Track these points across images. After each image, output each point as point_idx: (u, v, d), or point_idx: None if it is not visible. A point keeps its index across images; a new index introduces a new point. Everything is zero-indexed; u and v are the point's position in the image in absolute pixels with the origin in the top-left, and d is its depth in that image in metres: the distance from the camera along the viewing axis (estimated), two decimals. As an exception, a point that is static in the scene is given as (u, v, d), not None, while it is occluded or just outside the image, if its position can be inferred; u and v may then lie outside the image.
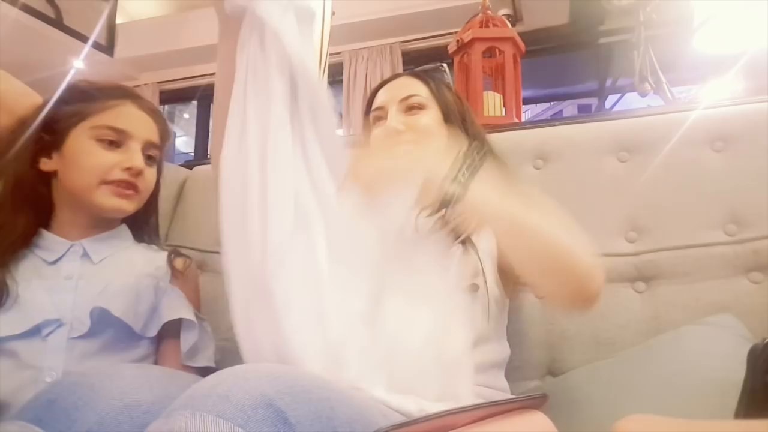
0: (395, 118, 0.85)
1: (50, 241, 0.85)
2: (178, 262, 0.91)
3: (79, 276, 0.82)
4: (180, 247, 1.04)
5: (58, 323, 0.77)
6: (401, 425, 0.44)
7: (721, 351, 0.76)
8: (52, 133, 0.83)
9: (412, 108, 0.86)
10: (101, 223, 0.88)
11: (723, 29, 1.38)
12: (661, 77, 1.55)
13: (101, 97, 0.85)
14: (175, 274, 0.90)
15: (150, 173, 0.89)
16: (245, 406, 0.39)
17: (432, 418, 0.47)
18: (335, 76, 3.33)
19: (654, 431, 0.37)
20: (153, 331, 0.83)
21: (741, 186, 0.94)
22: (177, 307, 0.84)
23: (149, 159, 0.89)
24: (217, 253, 1.20)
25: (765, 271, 0.89)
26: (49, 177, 0.85)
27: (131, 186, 0.85)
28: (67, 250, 0.84)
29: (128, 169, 0.84)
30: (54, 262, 0.83)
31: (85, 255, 0.85)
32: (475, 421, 0.51)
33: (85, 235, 0.86)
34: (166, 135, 0.94)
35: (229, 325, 1.18)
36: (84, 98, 0.85)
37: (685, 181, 0.97)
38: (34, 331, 0.75)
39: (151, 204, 0.95)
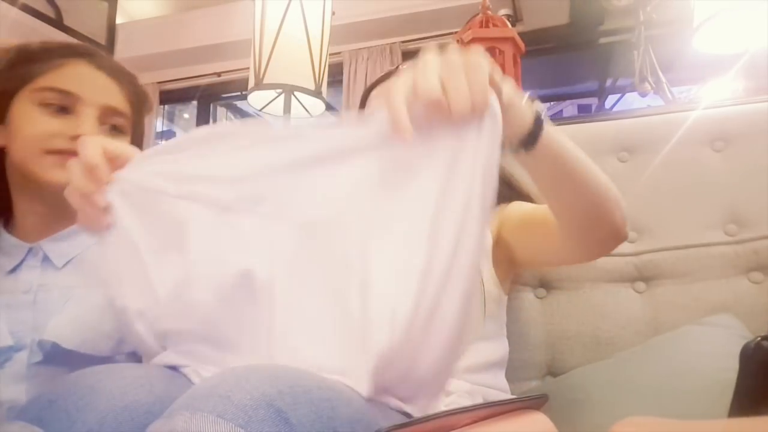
0: None
1: (8, 244, 0.74)
2: None
3: (38, 287, 0.72)
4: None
5: (14, 349, 0.67)
6: (402, 425, 0.44)
7: (721, 351, 0.76)
8: None
9: None
10: (65, 212, 0.71)
11: (723, 29, 1.38)
12: (661, 77, 1.55)
13: (48, 56, 0.73)
14: None
15: None
16: (246, 407, 0.39)
17: (433, 418, 0.47)
18: (335, 76, 3.34)
19: None
20: (129, 347, 0.71)
21: (741, 186, 0.94)
22: None
23: (114, 129, 0.75)
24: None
25: (765, 271, 0.89)
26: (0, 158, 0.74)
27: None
28: (26, 255, 0.73)
29: (75, 137, 0.68)
30: (13, 271, 0.73)
31: (47, 259, 0.73)
32: (475, 422, 0.51)
33: (47, 232, 0.74)
34: (139, 101, 0.79)
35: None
36: (29, 60, 0.73)
37: (685, 181, 0.97)
38: None
39: None
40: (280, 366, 0.46)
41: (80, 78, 0.73)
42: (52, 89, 0.71)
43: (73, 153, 0.66)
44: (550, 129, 0.55)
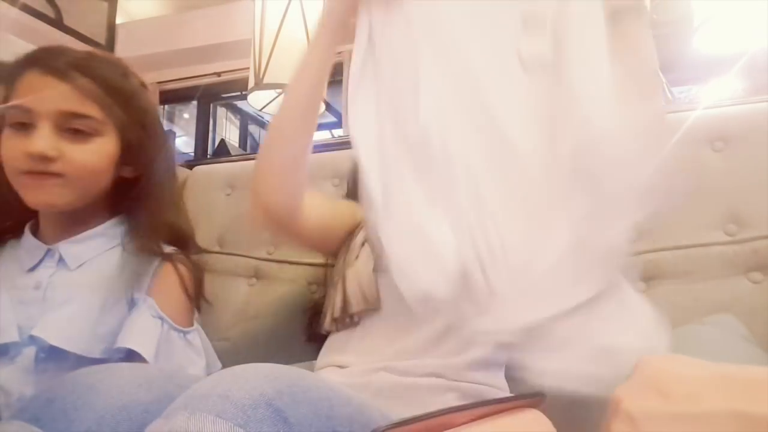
0: None
1: (31, 244, 0.78)
2: (166, 272, 0.79)
3: (47, 285, 0.74)
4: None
5: (22, 344, 0.69)
6: (399, 423, 0.44)
7: (721, 351, 0.76)
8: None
9: None
10: (79, 218, 0.77)
11: (723, 29, 1.38)
12: (661, 77, 1.55)
13: (9, 72, 0.72)
14: (156, 281, 0.78)
15: (78, 151, 0.71)
16: (245, 406, 0.39)
17: (429, 416, 0.47)
18: (335, 76, 3.33)
19: (681, 370, 0.35)
20: (121, 354, 0.72)
21: (741, 186, 0.93)
22: (135, 331, 0.71)
23: (76, 133, 0.71)
24: (217, 253, 1.21)
25: (765, 271, 0.89)
26: None
27: (45, 174, 0.69)
28: (44, 256, 0.76)
29: (32, 155, 0.68)
30: (32, 269, 0.76)
31: (62, 260, 0.76)
32: (472, 420, 0.51)
33: (63, 235, 0.77)
34: (111, 91, 0.73)
35: (228, 324, 1.17)
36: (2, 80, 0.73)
37: (684, 181, 0.97)
38: (2, 351, 0.69)
39: (140, 197, 0.79)
40: (279, 366, 0.46)
41: (31, 89, 0.69)
42: (12, 107, 0.69)
43: (36, 173, 0.69)
44: None
